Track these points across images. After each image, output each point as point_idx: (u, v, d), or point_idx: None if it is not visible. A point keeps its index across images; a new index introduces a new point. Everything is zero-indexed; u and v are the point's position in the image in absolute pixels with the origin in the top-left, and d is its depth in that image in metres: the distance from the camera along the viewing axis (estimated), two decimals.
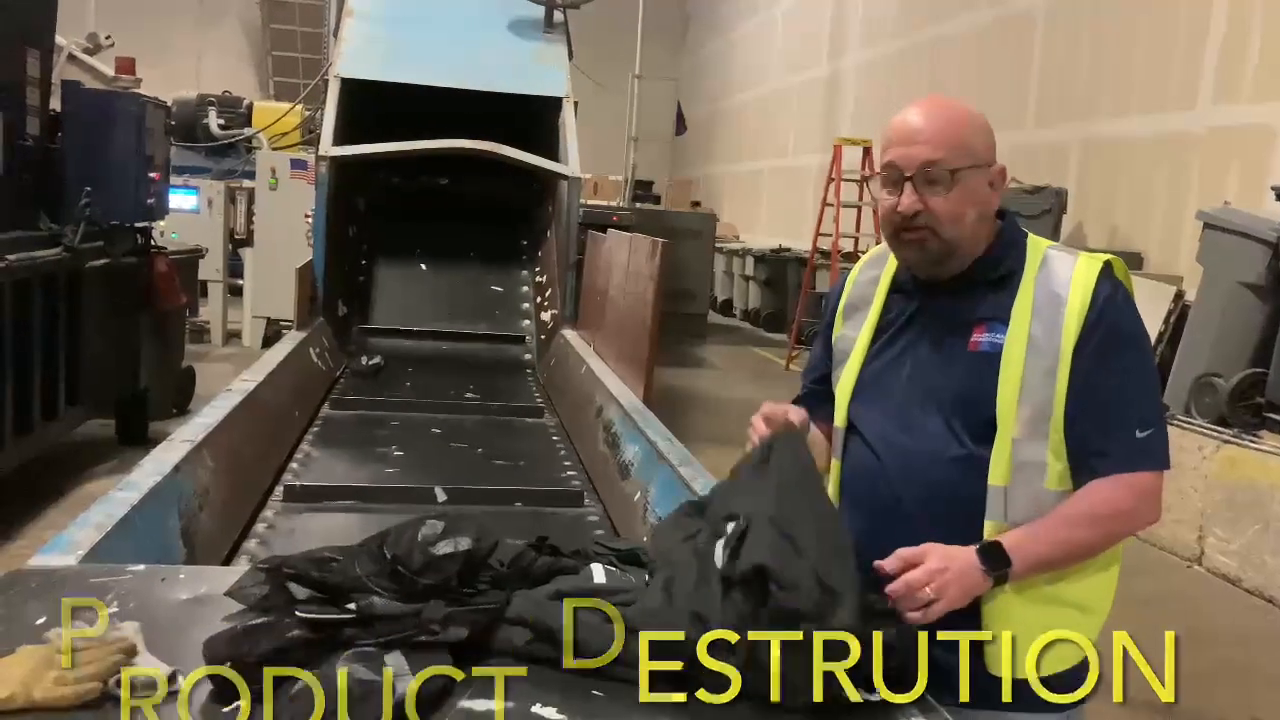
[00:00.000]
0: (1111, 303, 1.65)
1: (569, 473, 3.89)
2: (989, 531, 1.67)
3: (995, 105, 10.13)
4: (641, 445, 3.28)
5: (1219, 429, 5.74)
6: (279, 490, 3.36)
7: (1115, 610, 1.80)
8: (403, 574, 1.49)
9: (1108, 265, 1.69)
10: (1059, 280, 1.67)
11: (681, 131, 18.85)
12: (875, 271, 1.88)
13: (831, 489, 1.88)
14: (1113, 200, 8.48)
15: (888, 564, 1.55)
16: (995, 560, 1.60)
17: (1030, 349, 1.66)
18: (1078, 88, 8.98)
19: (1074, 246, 1.85)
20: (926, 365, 1.75)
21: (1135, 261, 7.77)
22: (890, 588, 1.53)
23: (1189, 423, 5.92)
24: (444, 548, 1.52)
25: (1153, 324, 6.62)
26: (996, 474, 1.67)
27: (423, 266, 6.41)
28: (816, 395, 1.96)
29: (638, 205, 14.39)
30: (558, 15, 6.53)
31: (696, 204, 17.24)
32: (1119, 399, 1.65)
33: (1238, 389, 5.76)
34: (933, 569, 1.56)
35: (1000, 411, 1.66)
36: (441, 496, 3.38)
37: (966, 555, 1.59)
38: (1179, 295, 6.67)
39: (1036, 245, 1.74)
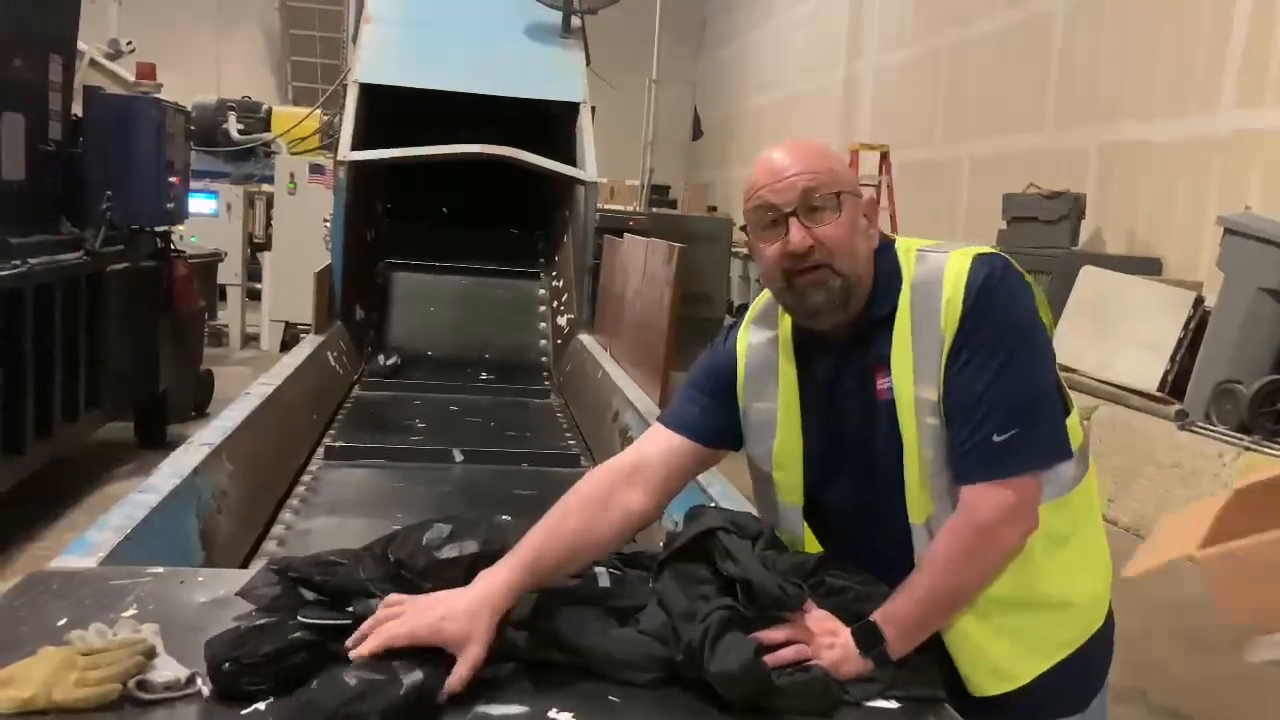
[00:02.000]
0: (983, 293, 1.51)
1: (568, 441, 4.35)
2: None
3: (1013, 109, 10.10)
4: None
5: (1239, 435, 5.70)
6: (320, 451, 3.79)
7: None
8: (406, 578, 1.50)
9: (980, 256, 1.55)
10: (931, 287, 1.55)
11: (698, 136, 18.85)
12: (769, 333, 1.73)
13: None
14: (1132, 205, 8.43)
15: (778, 633, 1.47)
16: (869, 638, 1.51)
17: (918, 376, 1.54)
18: (1097, 91, 8.93)
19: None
20: (855, 428, 1.63)
21: (1154, 266, 7.72)
22: (779, 653, 1.45)
23: (1209, 429, 5.88)
24: (448, 552, 1.52)
25: (1172, 330, 6.58)
26: (915, 511, 1.58)
27: (439, 270, 6.44)
28: (700, 428, 1.75)
29: (654, 210, 14.38)
30: (575, 20, 6.55)
31: (713, 208, 17.23)
32: (980, 400, 1.50)
33: (1258, 395, 5.72)
34: (827, 627, 1.51)
35: (905, 450, 1.56)
36: (459, 456, 3.84)
37: (845, 635, 1.52)
38: (1199, 301, 6.63)
39: (908, 255, 1.61)
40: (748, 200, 1.63)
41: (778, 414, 1.70)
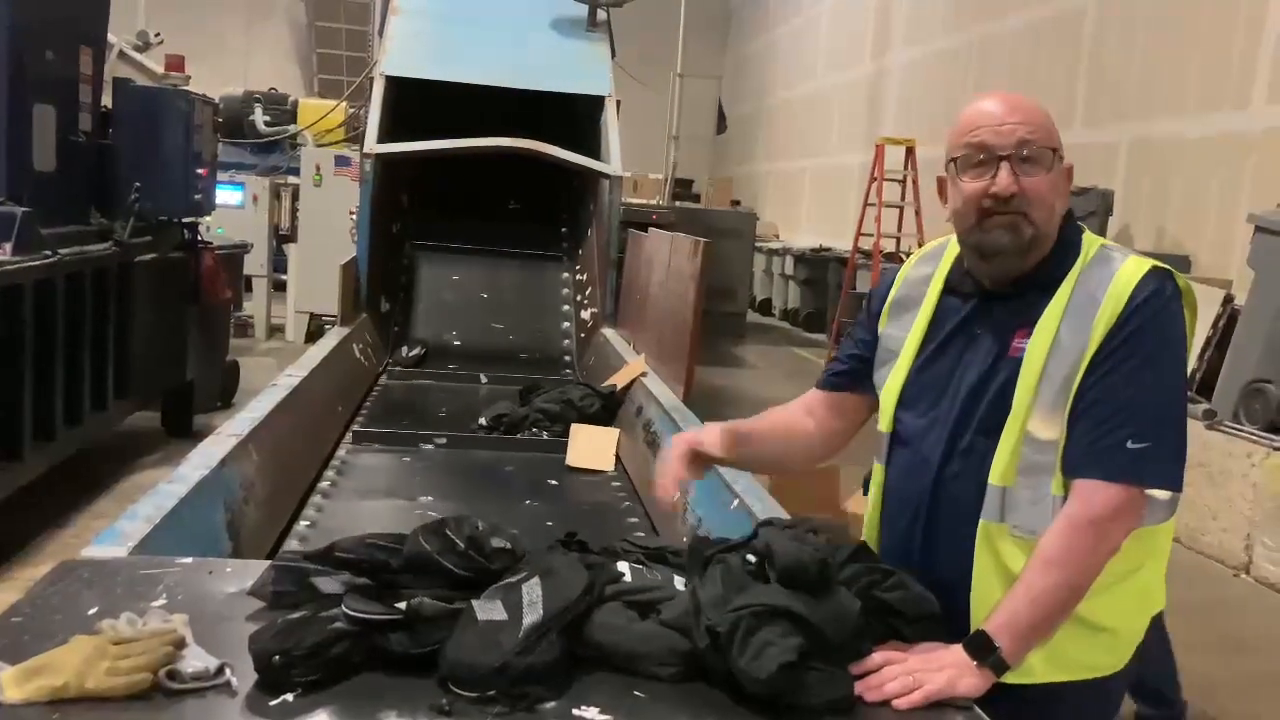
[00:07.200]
0: (1148, 306, 1.55)
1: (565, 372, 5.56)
2: (980, 534, 1.60)
3: (1042, 104, 10.01)
4: None
5: (1269, 435, 5.63)
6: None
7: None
8: (474, 556, 1.55)
9: (1157, 269, 1.59)
10: (1100, 281, 1.59)
11: (722, 130, 18.81)
12: (928, 269, 1.80)
13: (873, 493, 1.83)
14: (1162, 202, 8.34)
15: (875, 658, 1.47)
16: (981, 648, 1.49)
17: (1053, 351, 1.57)
18: (1128, 86, 8.84)
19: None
20: (974, 375, 1.66)
21: (1184, 264, 7.64)
22: (869, 670, 1.45)
23: (1237, 429, 5.82)
24: (496, 543, 1.56)
25: (1200, 328, 6.51)
26: (997, 473, 1.59)
27: (464, 263, 6.46)
28: (840, 375, 1.91)
29: (678, 204, 14.37)
30: (601, 14, 6.54)
31: (736, 203, 17.21)
32: (1124, 405, 1.53)
33: None
34: (913, 666, 1.47)
35: (1013, 411, 1.59)
36: (484, 379, 4.97)
37: (955, 653, 1.50)
38: (1228, 299, 6.56)
39: (1090, 244, 1.66)
40: (960, 136, 1.65)
41: (905, 344, 1.76)
